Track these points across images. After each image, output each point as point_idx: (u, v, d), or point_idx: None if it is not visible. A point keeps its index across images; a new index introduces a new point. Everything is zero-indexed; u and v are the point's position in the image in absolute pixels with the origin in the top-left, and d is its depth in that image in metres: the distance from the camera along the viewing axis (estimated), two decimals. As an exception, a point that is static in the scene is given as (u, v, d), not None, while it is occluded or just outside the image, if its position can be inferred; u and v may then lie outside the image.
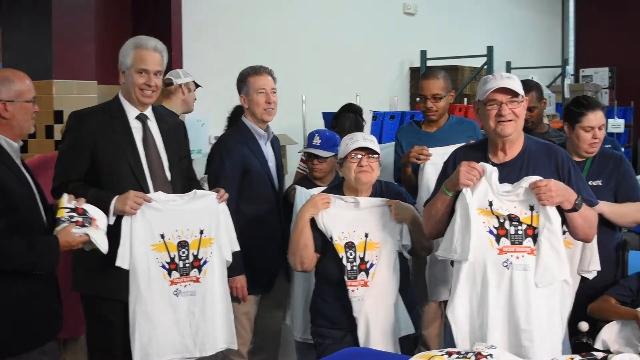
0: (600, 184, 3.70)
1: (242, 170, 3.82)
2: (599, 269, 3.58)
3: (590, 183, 3.51)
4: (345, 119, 5.06)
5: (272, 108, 3.90)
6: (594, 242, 3.45)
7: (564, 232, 3.09)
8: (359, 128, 5.02)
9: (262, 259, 3.88)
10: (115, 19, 6.03)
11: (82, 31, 5.55)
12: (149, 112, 3.48)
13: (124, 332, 3.29)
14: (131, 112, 3.41)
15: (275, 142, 4.11)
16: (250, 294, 3.87)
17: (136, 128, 3.41)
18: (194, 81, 5.03)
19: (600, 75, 14.98)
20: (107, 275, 3.29)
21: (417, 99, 4.34)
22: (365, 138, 3.42)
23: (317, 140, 4.08)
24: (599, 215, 3.30)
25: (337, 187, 3.56)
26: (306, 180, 4.21)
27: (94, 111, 3.47)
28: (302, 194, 3.96)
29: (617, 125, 11.60)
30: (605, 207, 3.56)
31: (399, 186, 3.73)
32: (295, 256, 3.41)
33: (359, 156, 3.36)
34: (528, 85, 4.48)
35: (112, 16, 6.03)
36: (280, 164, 4.11)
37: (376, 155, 3.39)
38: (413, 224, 3.38)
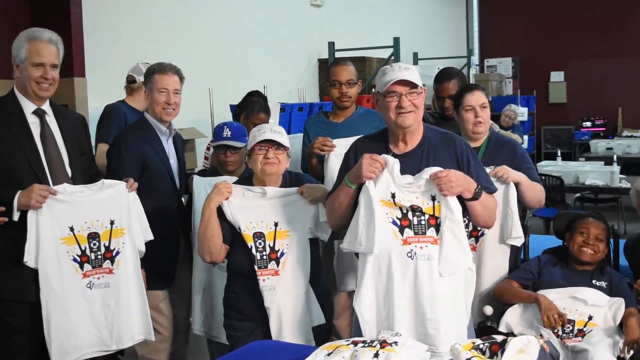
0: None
1: (140, 166, 3.78)
2: (522, 236, 3.63)
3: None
4: (253, 103, 5.01)
5: (173, 109, 3.87)
6: (515, 210, 3.57)
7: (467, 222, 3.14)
8: (268, 112, 5.00)
9: (161, 256, 3.84)
10: (13, 11, 5.80)
11: (-24, 24, 5.35)
12: (46, 106, 3.39)
13: (31, 335, 3.22)
14: (28, 107, 3.32)
15: (177, 139, 4.08)
16: (156, 289, 3.85)
17: (34, 123, 3.32)
18: None
19: (504, 65, 15.40)
20: (9, 275, 3.20)
21: (329, 86, 4.35)
22: (272, 130, 3.40)
23: (227, 132, 4.06)
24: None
25: (247, 178, 3.55)
26: (210, 173, 4.18)
27: None
28: (199, 183, 3.95)
29: (521, 113, 11.91)
30: (523, 178, 3.63)
31: (309, 176, 3.73)
32: (203, 247, 3.37)
33: (265, 148, 3.35)
34: (449, 73, 4.58)
35: (8, 8, 5.79)
36: (182, 160, 4.08)
37: (283, 148, 3.38)
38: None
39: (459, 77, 4.63)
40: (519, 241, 3.64)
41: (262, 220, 3.37)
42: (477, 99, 3.83)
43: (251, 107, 4.92)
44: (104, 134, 4.68)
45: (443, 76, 4.56)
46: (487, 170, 3.44)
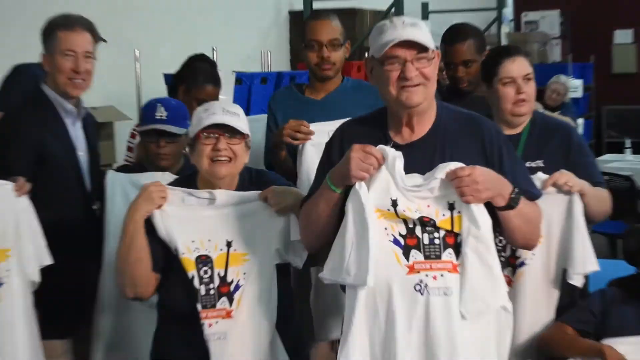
0: (541, 164, 3.77)
1: (35, 160, 3.78)
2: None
3: (527, 165, 3.60)
4: (196, 72, 5.00)
5: (82, 79, 3.91)
6: (584, 231, 3.58)
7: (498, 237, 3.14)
8: (217, 84, 5.03)
9: (63, 289, 3.80)
10: None
11: None
12: None
13: None
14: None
15: (89, 122, 4.10)
16: (53, 338, 3.84)
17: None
18: None
19: (549, 21, 15.47)
20: None
21: (304, 48, 4.38)
22: (225, 110, 3.42)
23: (161, 113, 4.09)
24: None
25: (189, 178, 3.57)
26: (135, 170, 4.19)
27: None
28: (116, 182, 3.97)
29: (574, 87, 11.95)
30: (586, 186, 3.63)
31: (275, 175, 3.76)
32: (124, 276, 3.37)
33: (215, 136, 3.36)
34: (464, 31, 4.67)
35: None
36: (95, 152, 4.10)
37: (241, 135, 3.40)
38: None
39: (477, 36, 4.70)
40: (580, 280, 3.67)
41: (210, 238, 3.37)
42: (520, 67, 3.85)
43: (194, 77, 4.93)
44: None
45: (455, 35, 4.63)
46: (531, 167, 3.44)
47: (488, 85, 3.93)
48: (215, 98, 4.77)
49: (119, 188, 3.94)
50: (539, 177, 3.56)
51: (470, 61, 4.60)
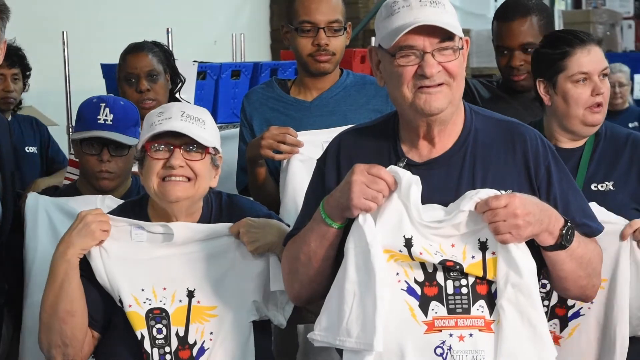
0: (611, 188, 3.78)
1: None
2: None
3: (594, 187, 3.65)
4: (146, 61, 5.05)
5: None
6: None
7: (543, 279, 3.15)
8: (175, 82, 5.10)
9: None
10: None
11: None
12: None
13: None
14: None
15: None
16: None
17: None
18: None
19: (620, -3, 15.46)
20: None
21: (293, 31, 4.35)
22: (185, 114, 3.42)
23: (105, 115, 4.11)
24: None
25: (138, 204, 3.59)
26: (67, 192, 4.23)
27: None
28: (39, 207, 3.97)
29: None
30: None
31: (252, 202, 3.77)
32: (51, 334, 3.38)
33: (169, 149, 3.37)
34: (524, 4, 4.57)
35: None
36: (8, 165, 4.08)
37: (204, 149, 3.40)
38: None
39: (542, 12, 4.62)
40: None
41: (165, 286, 3.39)
42: (597, 60, 3.84)
43: (137, 71, 5.00)
44: None
45: (512, 9, 4.56)
46: (599, 190, 3.46)
47: (551, 85, 3.87)
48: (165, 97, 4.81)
49: (43, 215, 3.93)
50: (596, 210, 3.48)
51: (532, 45, 4.42)
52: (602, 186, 3.73)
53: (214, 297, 3.39)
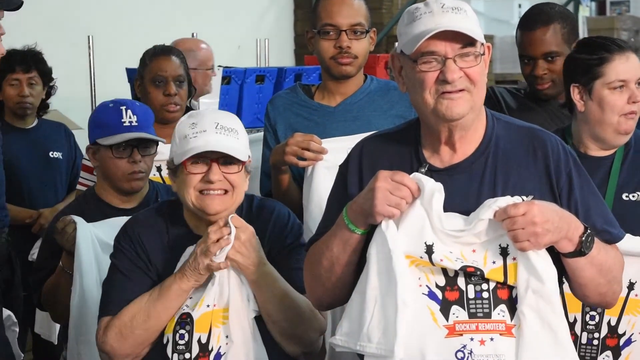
0: None
1: None
2: None
3: (625, 197, 3.65)
4: (176, 65, 5.05)
5: None
6: None
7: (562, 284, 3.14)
8: (190, 91, 5.11)
9: None
10: None
11: None
12: None
13: None
14: None
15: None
16: None
17: None
18: None
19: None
20: None
21: (316, 35, 4.35)
22: (220, 126, 3.43)
23: (129, 117, 4.13)
24: None
25: (171, 212, 3.60)
26: (93, 199, 4.23)
27: None
28: (87, 237, 3.91)
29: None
30: None
31: (279, 204, 3.76)
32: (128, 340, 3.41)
33: (207, 163, 3.39)
34: (547, 12, 4.56)
35: None
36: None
37: (240, 162, 3.43)
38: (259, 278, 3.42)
39: (565, 20, 4.60)
40: None
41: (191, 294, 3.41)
42: (633, 67, 3.83)
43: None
44: None
45: (534, 18, 4.55)
46: (630, 200, 3.49)
47: (586, 91, 3.85)
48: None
49: (89, 245, 3.91)
50: None
51: (555, 54, 4.47)
52: (633, 196, 3.73)
53: (226, 297, 3.38)
